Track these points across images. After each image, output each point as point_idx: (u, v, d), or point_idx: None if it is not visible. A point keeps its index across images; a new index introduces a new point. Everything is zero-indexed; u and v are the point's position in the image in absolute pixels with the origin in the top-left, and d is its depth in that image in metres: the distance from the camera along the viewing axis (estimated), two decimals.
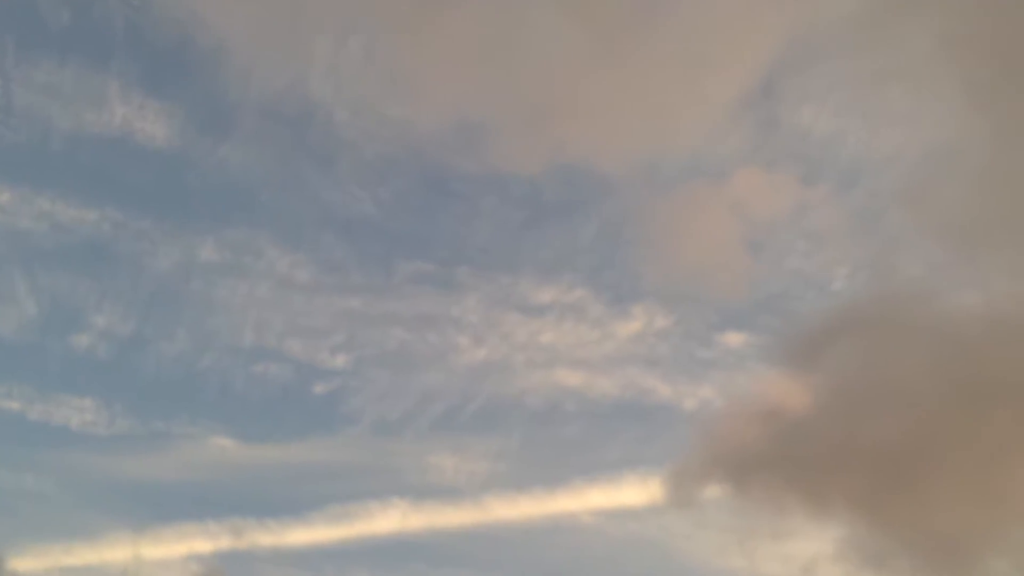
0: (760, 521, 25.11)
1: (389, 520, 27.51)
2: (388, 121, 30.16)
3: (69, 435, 27.61)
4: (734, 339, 29.49)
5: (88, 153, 28.53)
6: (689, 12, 29.50)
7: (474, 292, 29.99)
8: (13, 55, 27.73)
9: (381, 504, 27.60)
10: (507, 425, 29.53)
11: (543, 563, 27.55)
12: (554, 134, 29.98)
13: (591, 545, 28.12)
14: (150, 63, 29.06)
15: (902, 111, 28.09)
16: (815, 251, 29.37)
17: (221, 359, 29.10)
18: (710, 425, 27.74)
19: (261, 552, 27.17)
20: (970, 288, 24.25)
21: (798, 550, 24.86)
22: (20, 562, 25.38)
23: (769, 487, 25.97)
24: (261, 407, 29.11)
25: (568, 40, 29.68)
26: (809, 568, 24.55)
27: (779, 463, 26.40)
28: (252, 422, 29.10)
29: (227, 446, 28.30)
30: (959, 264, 24.96)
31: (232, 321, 29.42)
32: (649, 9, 29.80)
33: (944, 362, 23.61)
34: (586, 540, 28.10)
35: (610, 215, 30.74)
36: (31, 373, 28.05)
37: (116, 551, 26.50)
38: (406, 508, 27.58)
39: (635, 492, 27.51)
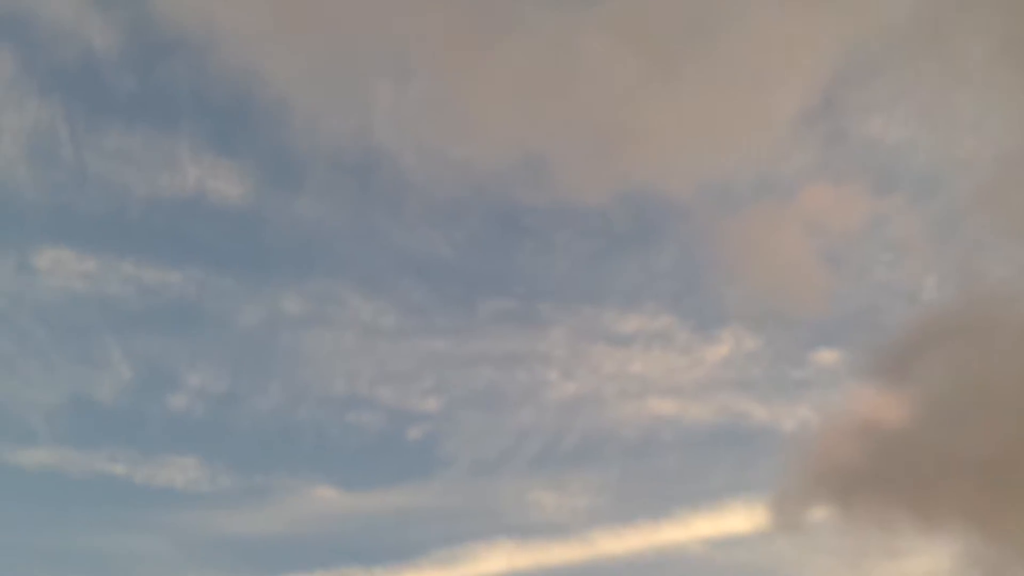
0: (870, 541, 24.87)
1: (496, 561, 27.57)
2: (454, 162, 30.28)
3: (175, 495, 27.93)
4: (826, 356, 29.32)
5: (166, 215, 28.92)
6: (744, 29, 29.42)
7: (558, 326, 30.07)
8: (84, 124, 28.21)
9: (486, 545, 27.68)
10: (605, 458, 29.53)
11: None
12: (619, 162, 29.99)
13: (700, 575, 28.01)
14: (217, 122, 29.45)
15: (970, 115, 27.85)
16: (898, 261, 29.17)
17: (315, 410, 29.40)
18: (810, 445, 27.52)
19: None
20: None
21: (913, 568, 24.66)
22: None
23: (876, 505, 25.74)
24: (358, 455, 29.31)
25: (625, 65, 29.69)
26: None
27: (883, 479, 26.15)
28: (350, 470, 29.31)
29: (328, 496, 28.52)
30: None
31: (322, 371, 29.71)
32: (704, 29, 29.73)
33: None
34: (695, 570, 28.01)
35: (685, 239, 30.68)
36: (133, 436, 28.45)
37: None
38: (511, 548, 27.62)
39: (740, 519, 27.39)
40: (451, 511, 28.82)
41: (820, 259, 29.68)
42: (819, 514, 25.79)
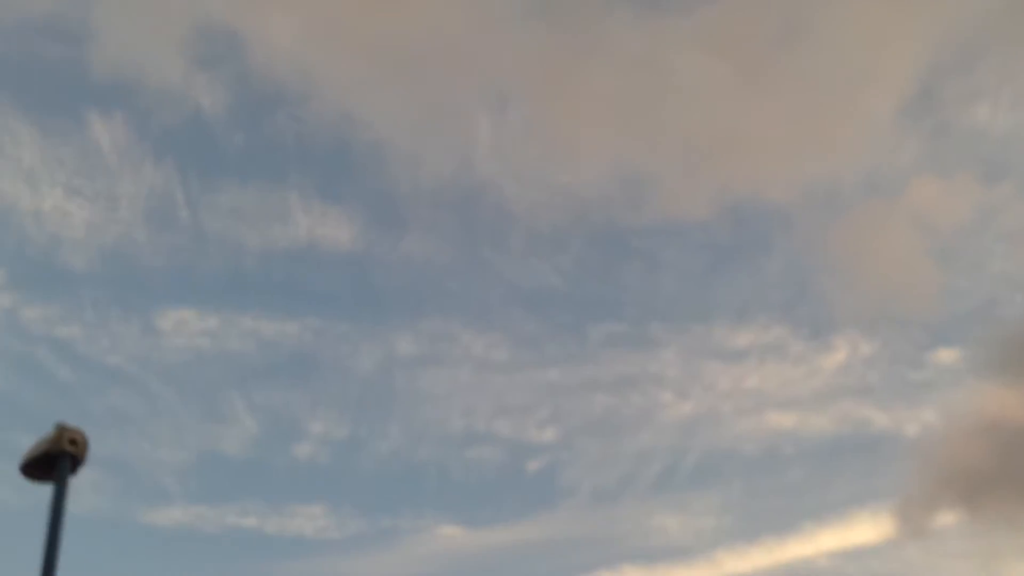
0: (1001, 541, 24.50)
1: None
2: (554, 188, 30.63)
3: (305, 543, 28.36)
4: (946, 356, 28.98)
5: (280, 267, 29.56)
6: (834, 26, 29.32)
7: (670, 346, 30.10)
8: (198, 184, 28.92)
9: (611, 572, 27.72)
10: (726, 476, 29.47)
11: None
12: (718, 173, 30.05)
13: None
14: (323, 170, 30.06)
15: None
16: (1013, 251, 28.76)
17: (435, 448, 29.75)
18: (934, 449, 27.24)
19: None
20: None
21: None
22: None
23: (1005, 505, 25.36)
24: (481, 491, 29.62)
25: (715, 76, 29.76)
26: None
27: (1012, 478, 25.77)
28: (474, 506, 29.64)
29: (455, 534, 28.81)
30: None
31: (439, 409, 30.07)
32: (793, 31, 29.75)
33: None
34: None
35: (791, 247, 30.60)
36: (261, 488, 28.99)
37: None
38: (636, 574, 27.61)
39: (867, 529, 27.13)
40: (575, 540, 29.05)
41: (932, 255, 29.44)
42: (947, 518, 25.63)
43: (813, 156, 30.18)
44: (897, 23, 29.39)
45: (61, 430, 8.29)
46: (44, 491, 8.19)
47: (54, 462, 8.22)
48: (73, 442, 8.19)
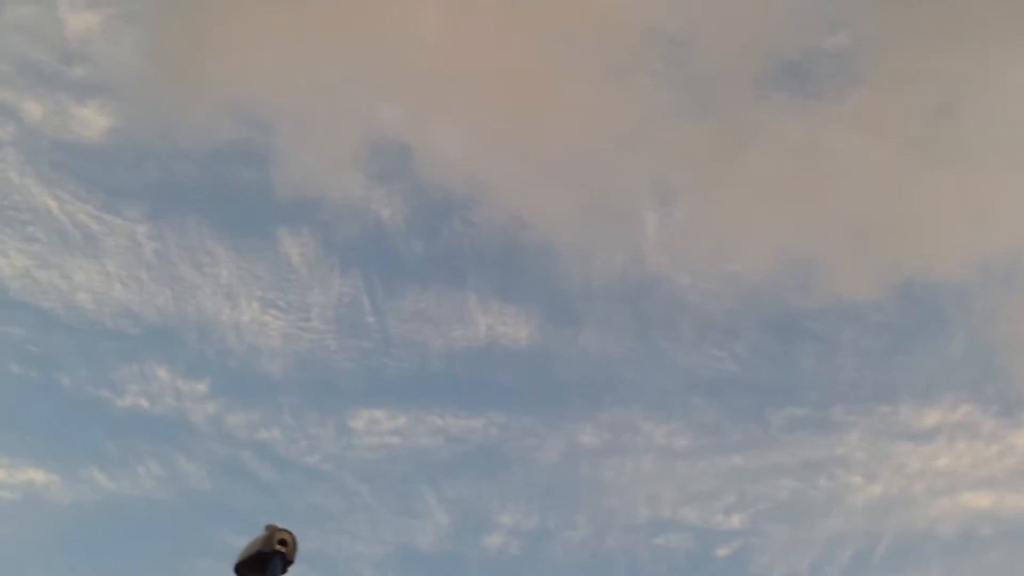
0: None
1: None
2: (724, 276, 30.76)
3: None
4: None
5: (463, 366, 30.77)
6: (990, 97, 28.67)
7: (854, 428, 29.44)
8: (382, 290, 30.61)
9: None
10: (922, 560, 28.37)
11: None
12: (886, 252, 29.54)
13: None
14: (499, 272, 31.29)
15: None
16: None
17: (623, 537, 29.95)
18: None
19: None
20: None
21: None
22: None
23: None
24: None
25: (874, 155, 29.53)
26: None
27: None
28: None
29: None
30: None
31: (624, 498, 30.27)
32: (947, 105, 29.37)
33: None
34: None
35: (970, 323, 29.62)
36: None
37: None
38: None
39: None
40: None
41: None
42: None
43: (983, 230, 29.31)
44: None
45: (272, 531, 9.00)
46: None
47: (266, 562, 8.81)
48: (283, 542, 8.90)
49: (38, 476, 28.40)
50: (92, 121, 28.84)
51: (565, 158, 31.26)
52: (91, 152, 29.02)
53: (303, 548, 9.06)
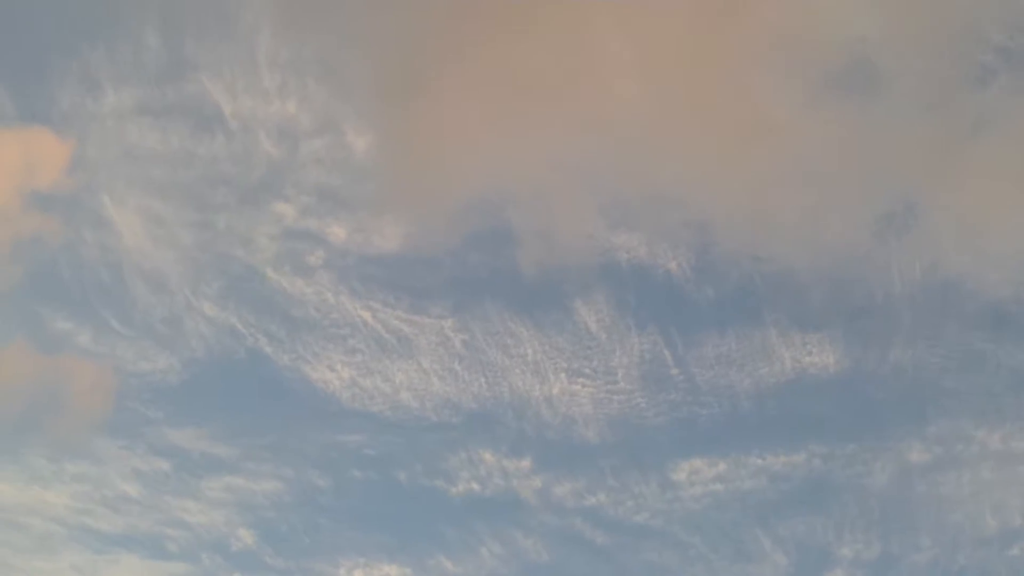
0: None
1: None
2: (1014, 265, 29.37)
3: None
4: None
5: (773, 403, 30.59)
6: None
7: None
8: (681, 342, 31.07)
9: None
10: None
11: None
12: None
13: None
14: (794, 303, 30.87)
15: None
16: None
17: (974, 553, 28.82)
18: None
19: None
20: None
21: None
22: None
23: None
24: None
25: None
26: None
27: None
28: None
29: None
30: None
31: (968, 512, 29.12)
32: None
33: None
34: None
35: None
36: None
37: None
38: None
39: None
40: None
41: None
42: None
43: None
44: None
45: None
46: None
47: None
48: None
49: (392, 571, 30.27)
50: (388, 232, 31.08)
51: (812, 179, 31.00)
52: (391, 261, 31.20)
53: None
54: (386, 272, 31.03)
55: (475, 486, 30.54)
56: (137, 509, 29.52)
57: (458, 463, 30.71)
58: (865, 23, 29.94)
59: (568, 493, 30.63)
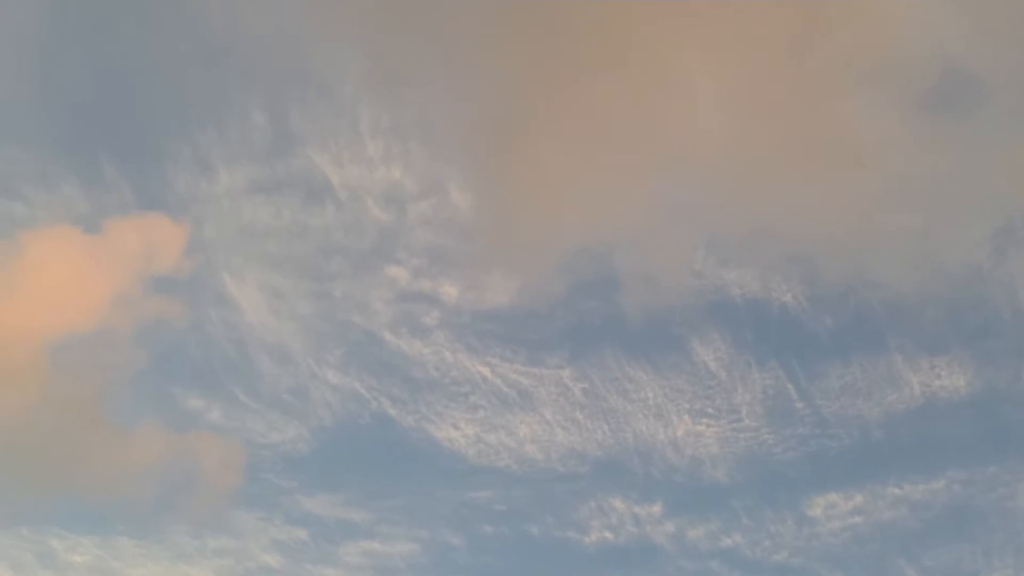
0: None
1: None
2: None
3: None
4: None
5: (907, 430, 30.10)
6: None
7: None
8: (804, 375, 30.75)
9: None
10: None
11: None
12: None
13: None
14: (917, 326, 30.45)
15: None
16: None
17: None
18: None
19: None
20: None
21: None
22: None
23: None
24: None
25: None
26: None
27: None
28: None
29: None
30: None
31: None
32: None
33: None
34: None
35: None
36: None
37: None
38: None
39: None
40: None
41: None
42: None
43: None
44: None
45: None
46: None
47: None
48: None
49: None
50: (498, 287, 31.41)
51: (917, 199, 30.59)
52: (504, 315, 31.51)
53: None
54: (500, 327, 31.40)
55: (608, 535, 30.42)
56: None
57: (588, 512, 30.66)
58: (953, 38, 29.75)
59: (702, 536, 30.34)
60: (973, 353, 29.78)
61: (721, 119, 30.88)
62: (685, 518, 30.49)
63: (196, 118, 30.89)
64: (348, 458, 31.27)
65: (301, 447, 30.79)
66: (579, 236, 31.32)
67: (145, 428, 30.54)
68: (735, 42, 31.24)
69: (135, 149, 31.36)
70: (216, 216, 31.06)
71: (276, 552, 29.80)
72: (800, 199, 30.82)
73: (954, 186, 30.48)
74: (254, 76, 31.06)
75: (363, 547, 30.19)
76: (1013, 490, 29.03)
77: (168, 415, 30.62)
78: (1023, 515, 28.95)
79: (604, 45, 31.34)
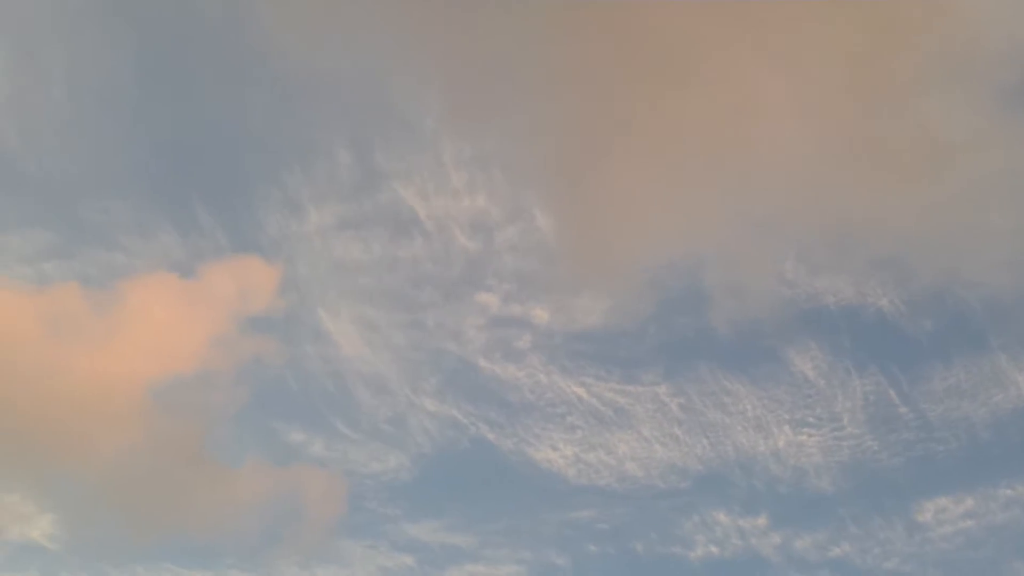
0: None
1: None
2: None
3: None
4: None
5: (1015, 429, 29.56)
6: None
7: None
8: (905, 379, 30.43)
9: None
10: None
11: None
12: None
13: None
14: (1020, 325, 29.88)
15: None
16: None
17: None
18: None
19: None
20: None
21: None
22: None
23: None
24: None
25: None
26: None
27: None
28: None
29: None
30: None
31: None
32: None
33: None
34: None
35: None
36: None
37: None
38: None
39: None
40: None
41: None
42: None
43: None
44: None
45: None
46: None
47: None
48: None
49: None
50: (588, 307, 31.56)
51: (1006, 196, 30.08)
52: (596, 335, 31.62)
53: None
54: (592, 346, 31.51)
55: (713, 549, 30.19)
56: None
57: (692, 527, 30.48)
58: None
59: (810, 546, 29.96)
60: None
61: (801, 127, 30.77)
62: (791, 529, 30.22)
63: (283, 160, 31.67)
64: (449, 484, 31.59)
65: (403, 475, 31.19)
66: (664, 252, 31.43)
67: (249, 464, 31.21)
68: (809, 49, 31.15)
69: (226, 194, 32.23)
70: (307, 254, 31.76)
71: None
72: (887, 202, 30.54)
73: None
74: (337, 116, 31.79)
75: (469, 571, 30.40)
76: None
77: (271, 450, 31.29)
78: None
79: (676, 62, 31.46)
